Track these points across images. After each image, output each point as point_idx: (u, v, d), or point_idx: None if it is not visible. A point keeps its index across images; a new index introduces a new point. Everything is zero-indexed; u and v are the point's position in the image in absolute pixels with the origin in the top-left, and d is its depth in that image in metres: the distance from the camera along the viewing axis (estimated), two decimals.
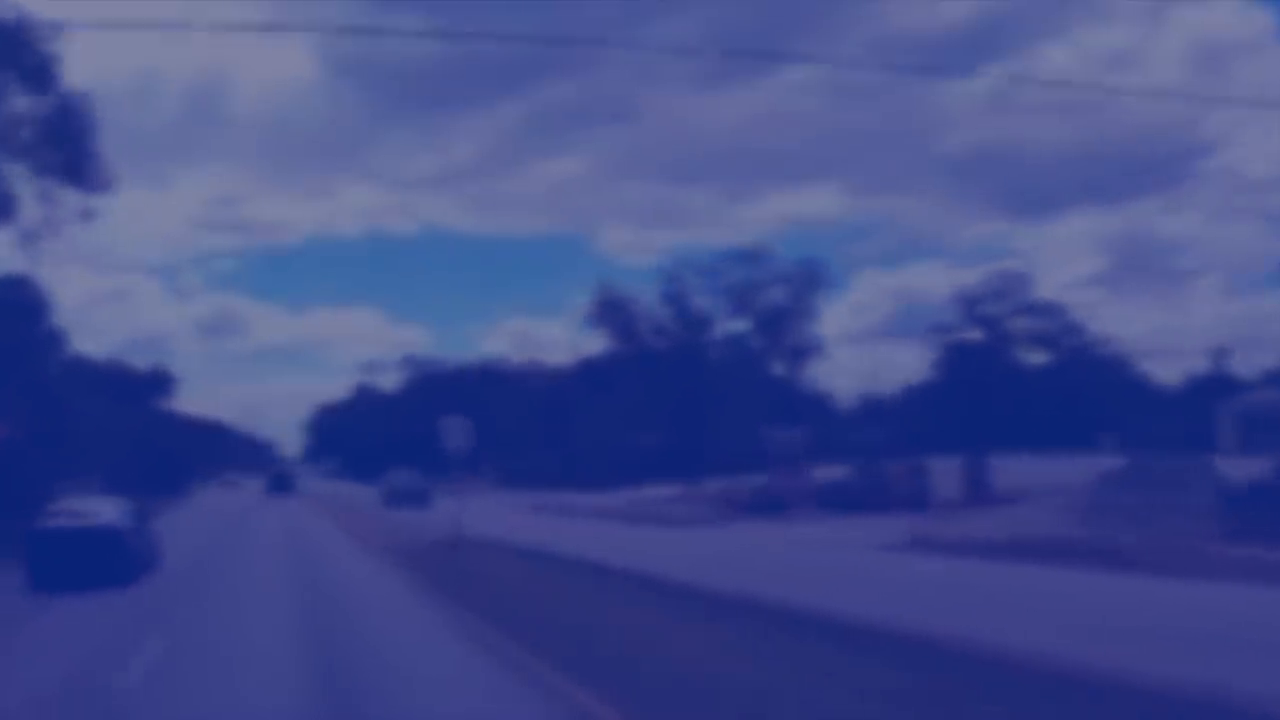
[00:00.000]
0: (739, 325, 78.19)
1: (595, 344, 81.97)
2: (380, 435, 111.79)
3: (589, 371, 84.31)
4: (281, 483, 77.25)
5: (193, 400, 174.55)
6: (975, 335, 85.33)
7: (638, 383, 78.22)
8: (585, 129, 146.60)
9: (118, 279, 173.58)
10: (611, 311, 77.58)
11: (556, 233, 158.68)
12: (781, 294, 76.05)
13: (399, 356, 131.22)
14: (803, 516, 35.10)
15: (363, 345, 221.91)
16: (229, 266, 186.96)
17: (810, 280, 75.42)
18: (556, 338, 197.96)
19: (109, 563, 20.43)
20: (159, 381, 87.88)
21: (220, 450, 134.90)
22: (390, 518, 43.08)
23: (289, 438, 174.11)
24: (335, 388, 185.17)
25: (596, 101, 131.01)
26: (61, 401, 47.24)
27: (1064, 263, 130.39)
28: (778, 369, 78.86)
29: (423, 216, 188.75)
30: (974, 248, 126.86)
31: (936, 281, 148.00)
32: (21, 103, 32.51)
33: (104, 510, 21.92)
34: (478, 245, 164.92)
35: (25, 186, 32.82)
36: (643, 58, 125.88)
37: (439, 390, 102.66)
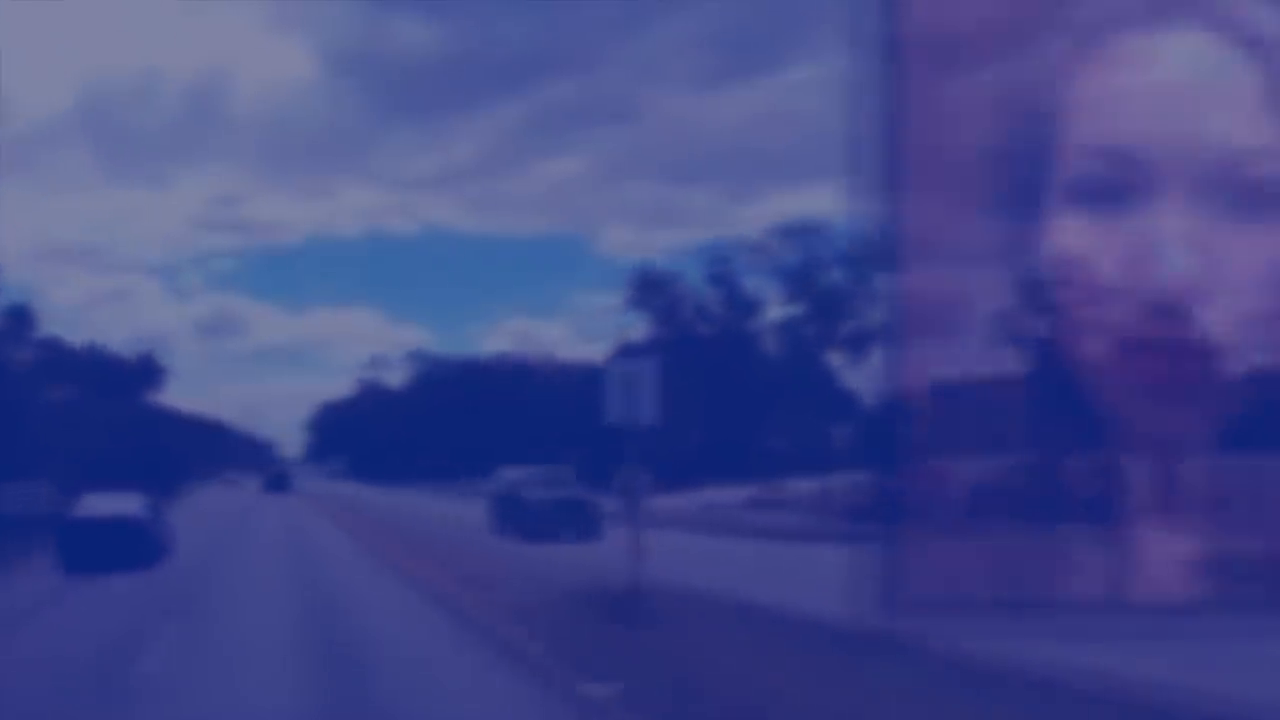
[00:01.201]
0: (793, 310, 70.44)
1: (612, 338, 74.60)
2: (388, 433, 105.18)
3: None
4: (279, 482, 79.68)
5: (192, 399, 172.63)
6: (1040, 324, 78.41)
7: (678, 373, 70.35)
8: (585, 129, 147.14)
9: (117, 279, 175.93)
10: (651, 292, 69.82)
11: (556, 233, 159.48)
12: (843, 275, 68.13)
13: (401, 355, 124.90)
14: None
15: (363, 345, 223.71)
16: (229, 266, 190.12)
17: (878, 259, 67.43)
18: (557, 337, 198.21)
19: (131, 549, 22.86)
20: (146, 371, 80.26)
21: (220, 449, 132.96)
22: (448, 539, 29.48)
23: (290, 438, 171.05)
24: (336, 388, 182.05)
25: (596, 101, 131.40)
26: (16, 385, 39.66)
27: None
28: (835, 359, 71.00)
29: (423, 216, 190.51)
30: None
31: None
32: None
33: (126, 503, 24.78)
34: (478, 245, 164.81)
35: None
36: (643, 58, 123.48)
37: (449, 386, 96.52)
